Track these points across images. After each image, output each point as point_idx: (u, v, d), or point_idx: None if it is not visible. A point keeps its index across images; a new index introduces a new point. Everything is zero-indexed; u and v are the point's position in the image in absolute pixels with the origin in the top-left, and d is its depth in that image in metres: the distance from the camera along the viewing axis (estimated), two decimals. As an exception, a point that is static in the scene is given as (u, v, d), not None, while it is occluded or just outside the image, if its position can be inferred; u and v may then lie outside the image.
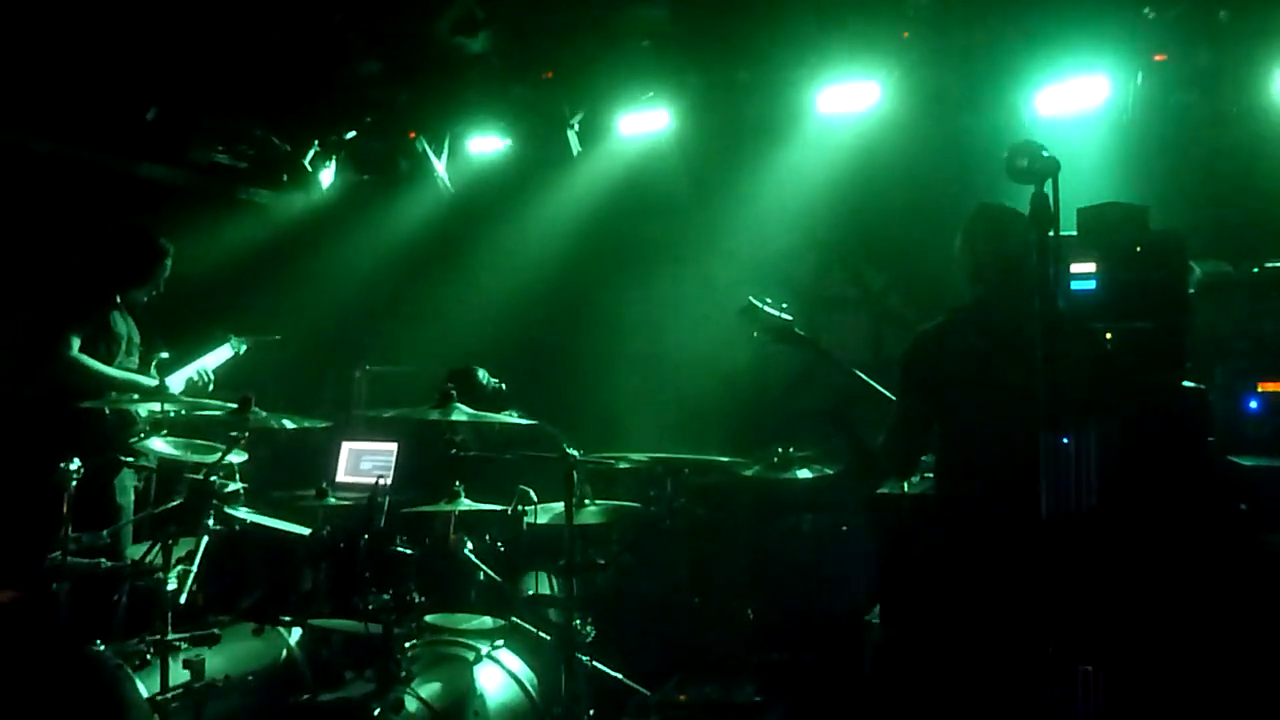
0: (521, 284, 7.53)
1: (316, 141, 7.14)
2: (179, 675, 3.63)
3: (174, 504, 4.28)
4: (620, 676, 4.67)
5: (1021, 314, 2.93)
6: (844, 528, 5.71)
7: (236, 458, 4.35)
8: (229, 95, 6.64)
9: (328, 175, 7.29)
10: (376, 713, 3.63)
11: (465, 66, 6.30)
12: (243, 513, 4.35)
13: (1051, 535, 2.48)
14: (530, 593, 4.84)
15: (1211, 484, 3.80)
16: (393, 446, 6.21)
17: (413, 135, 7.04)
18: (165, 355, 5.21)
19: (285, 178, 7.36)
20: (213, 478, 4.12)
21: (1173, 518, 3.63)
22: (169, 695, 3.58)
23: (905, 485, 4.17)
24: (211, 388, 5.33)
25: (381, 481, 4.25)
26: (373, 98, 6.81)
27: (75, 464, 3.98)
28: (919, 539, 3.97)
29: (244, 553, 4.28)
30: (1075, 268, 4.07)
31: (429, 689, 3.92)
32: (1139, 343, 3.89)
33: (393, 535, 4.19)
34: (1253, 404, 4.24)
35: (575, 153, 6.60)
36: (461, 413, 4.34)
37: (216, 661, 3.79)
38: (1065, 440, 2.61)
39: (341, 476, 6.27)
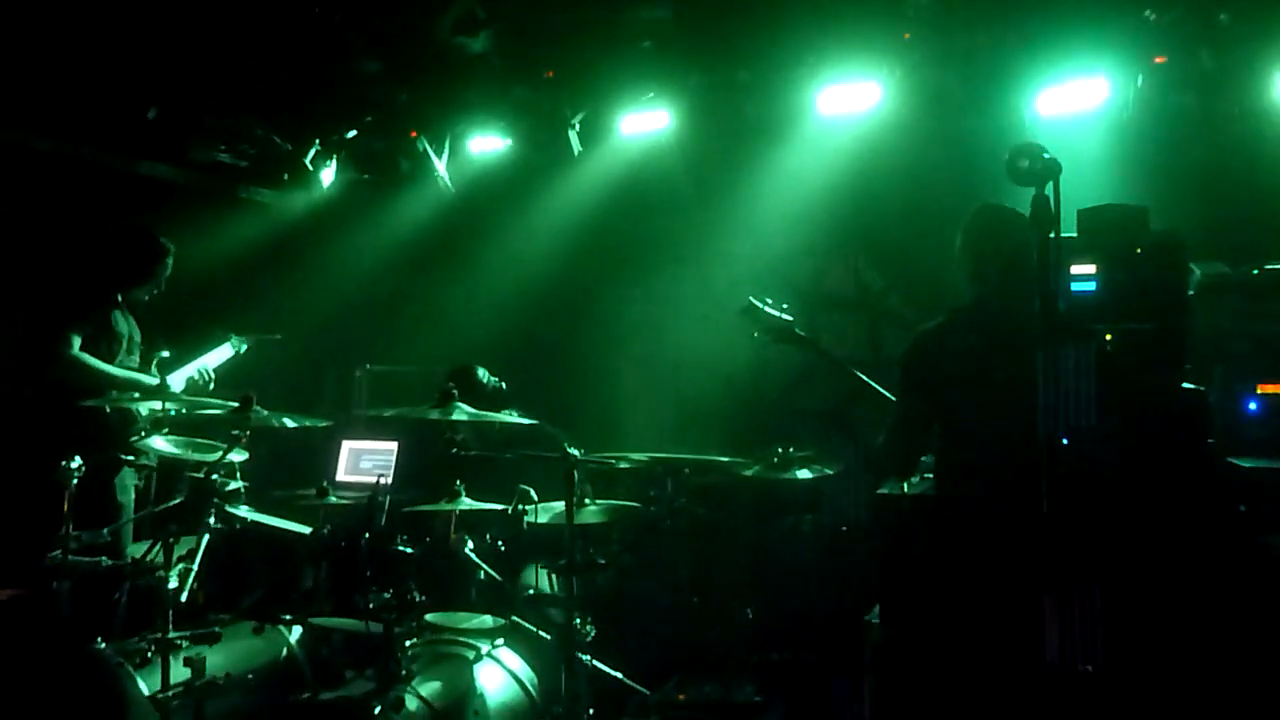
0: (522, 284, 7.54)
1: (317, 140, 7.14)
2: (180, 673, 3.64)
3: (175, 502, 4.27)
4: (620, 676, 4.68)
5: (1021, 314, 2.94)
6: (844, 528, 5.72)
7: (237, 456, 4.36)
8: (230, 94, 6.65)
9: (328, 174, 7.29)
10: (377, 711, 3.64)
11: (466, 66, 6.30)
12: (244, 511, 4.35)
13: (1051, 535, 2.49)
14: (530, 592, 4.85)
15: (1211, 485, 3.80)
16: (393, 446, 6.21)
17: (414, 135, 7.04)
18: (166, 354, 5.21)
19: (286, 177, 7.36)
20: (214, 476, 4.13)
21: (1172, 519, 3.64)
22: (170, 693, 3.59)
23: (905, 485, 4.18)
24: (212, 387, 5.34)
25: (382, 481, 4.25)
26: (374, 97, 6.81)
27: (76, 462, 3.99)
28: (918, 539, 3.98)
29: (245, 551, 4.30)
30: (1075, 269, 4.07)
31: (429, 688, 3.92)
32: (1139, 344, 3.89)
33: (393, 534, 4.20)
34: (1252, 405, 4.24)
35: (576, 153, 6.61)
36: (462, 412, 4.35)
37: (217, 660, 3.80)
38: (1065, 440, 2.61)
39: (342, 475, 6.27)
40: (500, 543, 4.67)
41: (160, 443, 4.59)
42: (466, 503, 4.53)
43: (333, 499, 4.72)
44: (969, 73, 5.64)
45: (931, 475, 3.70)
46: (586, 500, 4.72)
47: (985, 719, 3.28)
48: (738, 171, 6.91)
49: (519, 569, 4.87)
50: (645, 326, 7.49)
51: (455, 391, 4.39)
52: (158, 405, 4.93)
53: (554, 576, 4.68)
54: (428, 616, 4.26)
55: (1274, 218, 5.35)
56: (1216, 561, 3.68)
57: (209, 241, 6.74)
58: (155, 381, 5.08)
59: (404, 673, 3.89)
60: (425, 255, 7.79)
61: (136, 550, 4.47)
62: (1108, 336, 3.94)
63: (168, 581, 3.75)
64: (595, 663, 4.48)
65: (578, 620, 4.30)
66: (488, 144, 6.97)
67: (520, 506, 4.64)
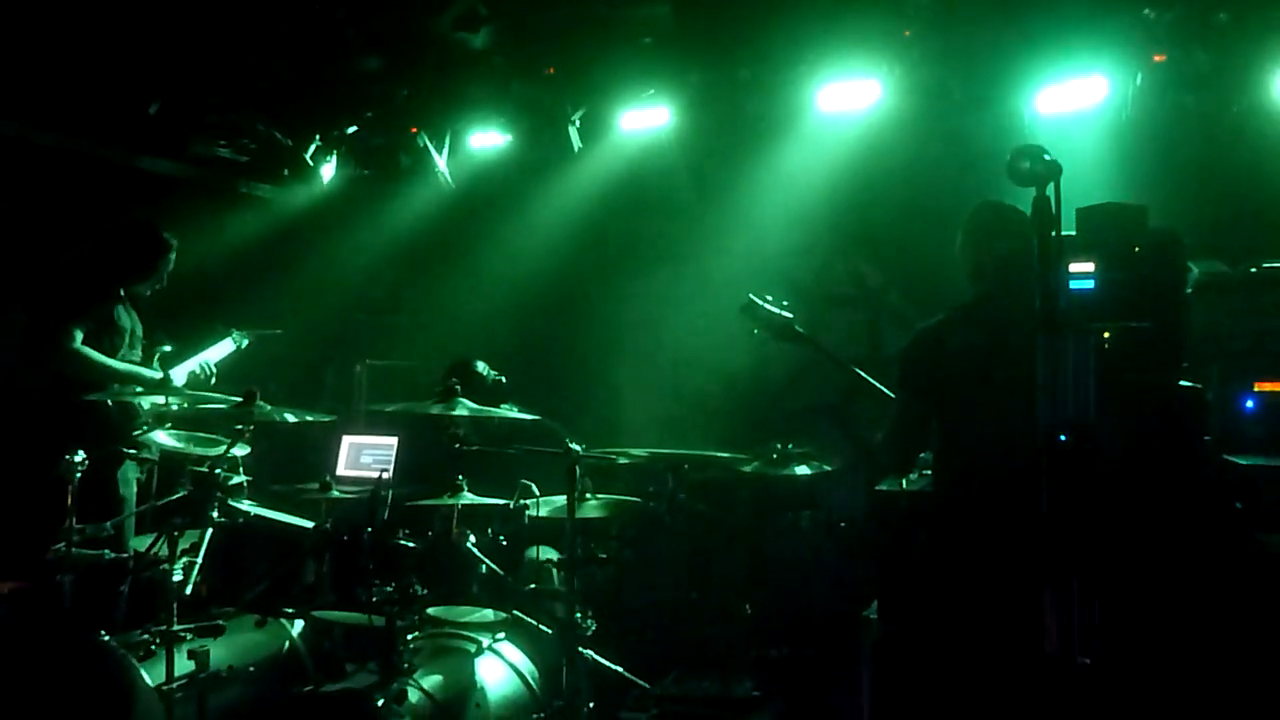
0: (522, 280, 7.55)
1: (318, 136, 7.15)
2: (184, 665, 3.68)
3: (178, 496, 4.29)
4: (620, 670, 4.70)
5: (1021, 311, 2.96)
6: (842, 524, 5.74)
7: (240, 451, 4.37)
8: (231, 89, 6.65)
9: (329, 170, 7.30)
10: (379, 703, 3.65)
11: (467, 62, 6.31)
12: (246, 505, 4.37)
13: (1050, 533, 2.51)
14: (532, 585, 4.86)
15: (1208, 483, 3.82)
16: (393, 440, 6.22)
17: (414, 130, 7.04)
18: (168, 348, 5.22)
19: (286, 172, 7.38)
20: (217, 470, 4.14)
21: (1169, 515, 3.66)
22: (174, 685, 3.62)
23: (904, 482, 4.20)
24: (214, 381, 5.35)
25: (384, 475, 4.27)
26: (374, 93, 6.81)
27: (80, 456, 4.01)
28: (917, 535, 4.00)
29: (248, 545, 4.32)
30: (1074, 267, 4.08)
31: (431, 681, 3.94)
32: (1137, 342, 3.91)
33: (395, 528, 4.21)
34: (1249, 403, 4.26)
35: (576, 149, 6.61)
36: (463, 408, 4.37)
37: (220, 652, 3.84)
38: (1063, 438, 2.63)
39: (342, 470, 6.28)
40: (502, 537, 4.69)
41: (163, 437, 4.61)
42: (468, 497, 4.55)
43: (336, 493, 4.74)
44: (968, 71, 5.66)
45: (930, 472, 3.72)
46: (587, 495, 4.74)
47: (983, 715, 3.30)
48: (738, 168, 6.93)
49: (521, 562, 4.89)
50: (645, 323, 7.50)
51: (457, 387, 4.41)
52: (160, 399, 4.94)
53: (557, 557, 4.72)
54: (429, 610, 4.28)
55: (1272, 216, 5.38)
56: (1212, 558, 3.71)
57: (209, 236, 6.75)
58: (158, 376, 5.10)
59: (406, 666, 3.91)
60: (425, 251, 7.80)
61: (139, 544, 4.49)
62: (1105, 334, 3.95)
63: (172, 574, 3.77)
64: (595, 657, 4.51)
65: (578, 614, 4.32)
66: (488, 140, 6.97)
67: (521, 501, 4.67)
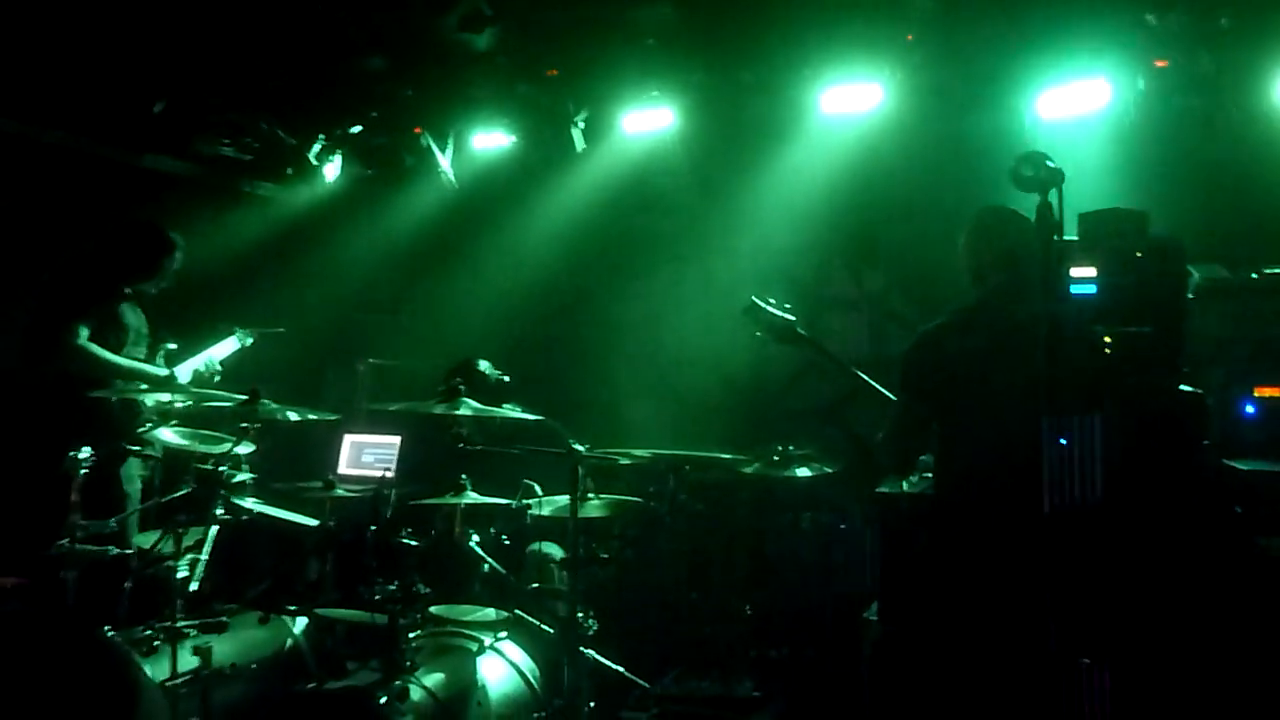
0: (524, 280, 7.57)
1: (321, 135, 7.15)
2: (187, 662, 3.70)
3: (182, 493, 4.31)
4: (621, 669, 4.71)
5: (1023, 315, 2.98)
6: (842, 525, 5.76)
7: (244, 449, 4.39)
8: (235, 88, 6.66)
9: (332, 169, 7.30)
10: (381, 701, 3.67)
11: (470, 63, 6.31)
12: (250, 503, 4.39)
13: (1050, 534, 2.53)
14: (535, 584, 4.88)
15: (1208, 487, 3.84)
16: (395, 439, 6.24)
17: (417, 130, 7.04)
18: (173, 346, 5.24)
19: (290, 171, 7.36)
20: (221, 468, 4.16)
21: (1169, 520, 3.67)
22: (178, 681, 3.64)
23: (904, 484, 4.21)
24: (218, 379, 5.37)
25: (387, 474, 4.29)
26: (378, 93, 6.81)
27: (85, 452, 4.03)
28: (917, 537, 4.02)
29: (251, 542, 4.33)
30: (1075, 272, 4.10)
31: (433, 679, 3.96)
32: (1137, 346, 3.93)
33: (398, 527, 4.23)
34: (1249, 408, 4.27)
35: (579, 150, 6.62)
36: (467, 407, 4.39)
37: (224, 649, 3.85)
38: (1064, 441, 2.65)
39: (343, 469, 6.30)
40: (504, 536, 4.70)
41: (167, 434, 4.62)
42: (471, 497, 4.57)
43: (339, 492, 4.75)
44: (970, 74, 5.67)
45: (930, 474, 3.74)
46: (589, 495, 4.76)
47: (983, 715, 3.32)
48: (740, 170, 6.94)
49: (523, 561, 4.91)
50: (647, 323, 7.51)
51: (461, 387, 4.42)
52: (165, 397, 4.96)
53: (559, 552, 4.73)
54: (432, 609, 4.30)
55: (1273, 222, 5.39)
56: (1213, 562, 3.72)
57: (213, 235, 6.76)
58: (163, 373, 5.12)
59: (408, 664, 3.92)
60: (428, 251, 7.81)
61: (142, 541, 4.50)
62: (1106, 339, 3.97)
63: (176, 571, 3.79)
64: (596, 656, 4.52)
65: (579, 614, 4.34)
66: (491, 140, 6.97)
67: (523, 501, 4.68)
